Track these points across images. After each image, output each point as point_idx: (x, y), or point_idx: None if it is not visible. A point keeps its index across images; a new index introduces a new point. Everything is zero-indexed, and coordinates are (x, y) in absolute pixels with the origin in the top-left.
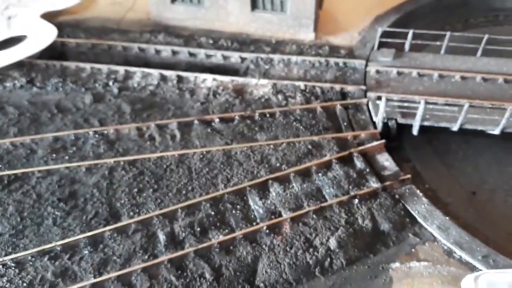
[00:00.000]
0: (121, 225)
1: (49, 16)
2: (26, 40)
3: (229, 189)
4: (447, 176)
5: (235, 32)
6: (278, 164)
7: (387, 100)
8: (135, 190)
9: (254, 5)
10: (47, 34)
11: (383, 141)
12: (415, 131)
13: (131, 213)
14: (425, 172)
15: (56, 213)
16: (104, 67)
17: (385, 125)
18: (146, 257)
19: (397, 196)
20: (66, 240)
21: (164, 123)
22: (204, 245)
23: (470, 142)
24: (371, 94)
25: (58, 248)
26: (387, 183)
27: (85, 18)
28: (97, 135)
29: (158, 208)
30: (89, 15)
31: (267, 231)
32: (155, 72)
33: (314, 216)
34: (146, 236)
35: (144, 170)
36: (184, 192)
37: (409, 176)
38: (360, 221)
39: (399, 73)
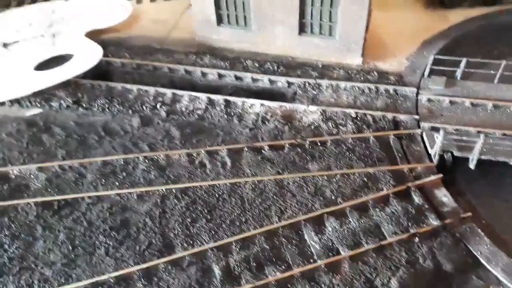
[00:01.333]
0: (176, 257)
1: (92, 35)
2: (73, 59)
3: (283, 222)
4: (504, 211)
5: (281, 55)
6: (333, 197)
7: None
8: (188, 220)
9: (301, 29)
10: (93, 53)
11: (440, 175)
12: (472, 165)
13: (185, 245)
14: (481, 207)
15: (108, 242)
16: (151, 89)
17: (441, 158)
18: None
19: (457, 235)
20: (120, 272)
21: (214, 150)
22: (262, 282)
23: None
24: (425, 125)
25: (112, 280)
26: (448, 221)
27: (128, 36)
28: (147, 161)
29: (212, 240)
30: (132, 33)
31: (326, 269)
32: (203, 96)
33: (373, 254)
34: (201, 270)
35: (197, 199)
36: (237, 223)
37: (470, 214)
38: (421, 260)
39: (451, 103)
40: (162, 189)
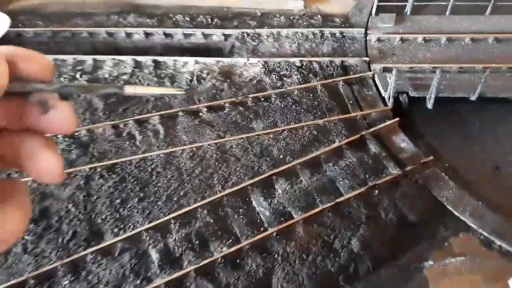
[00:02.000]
0: (105, 245)
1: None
2: None
3: (228, 191)
4: (466, 151)
5: (215, 6)
6: (281, 156)
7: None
8: (118, 201)
9: None
10: None
11: (397, 119)
12: (430, 105)
13: (116, 230)
14: (442, 149)
15: (26, 237)
16: (69, 58)
17: (396, 100)
18: (139, 281)
19: (420, 182)
20: (41, 270)
21: (144, 118)
22: (206, 261)
23: (486, 110)
24: (376, 66)
25: (32, 281)
26: (408, 168)
27: (42, 2)
28: (66, 139)
29: (147, 220)
30: None
31: (278, 237)
32: (128, 59)
33: (330, 214)
34: (136, 256)
35: (126, 176)
36: (175, 198)
37: (431, 158)
38: (383, 215)
39: (403, 40)
40: (85, 169)
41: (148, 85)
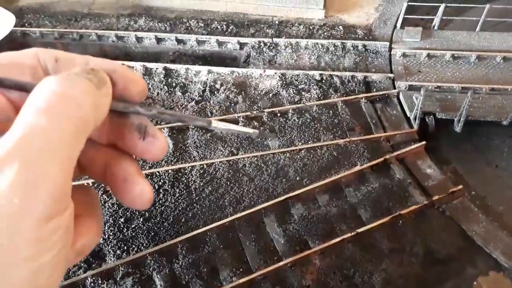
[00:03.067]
0: (107, 268)
1: (5, 1)
2: None
3: (239, 214)
4: (494, 178)
5: (231, 12)
6: (298, 178)
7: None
8: (121, 220)
9: None
10: (3, 23)
11: (423, 143)
12: (458, 128)
13: (118, 252)
14: (469, 176)
15: None
16: None
17: (421, 121)
18: None
19: (447, 213)
20: None
21: None
22: None
23: None
24: (401, 84)
25: None
26: (435, 197)
27: (50, 1)
28: None
29: (152, 243)
30: None
31: (293, 268)
32: (137, 65)
33: (350, 245)
34: (139, 281)
35: None
36: (183, 220)
37: (460, 187)
38: (407, 248)
39: (429, 56)
40: (88, 184)
41: (158, 94)
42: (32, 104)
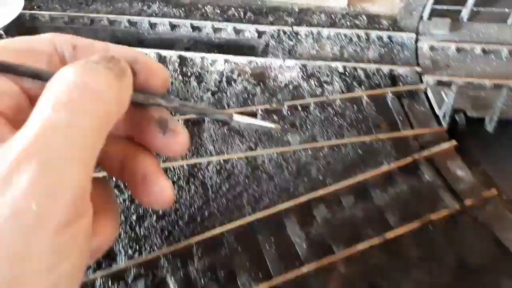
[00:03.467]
0: (118, 269)
1: None
2: None
3: (259, 214)
4: None
5: None
6: (321, 177)
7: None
8: (133, 218)
9: None
10: (12, 5)
11: (454, 142)
12: (490, 128)
13: (130, 252)
14: (501, 179)
15: None
16: None
17: (451, 119)
18: None
19: (480, 219)
20: None
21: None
22: None
23: None
24: (429, 79)
25: None
26: (468, 202)
27: None
28: None
29: (165, 243)
30: None
31: (316, 276)
32: (151, 52)
33: (377, 251)
34: (152, 284)
35: None
36: (198, 219)
37: (495, 191)
38: (438, 256)
39: (458, 50)
40: (105, 177)
41: (172, 83)
42: (51, 96)
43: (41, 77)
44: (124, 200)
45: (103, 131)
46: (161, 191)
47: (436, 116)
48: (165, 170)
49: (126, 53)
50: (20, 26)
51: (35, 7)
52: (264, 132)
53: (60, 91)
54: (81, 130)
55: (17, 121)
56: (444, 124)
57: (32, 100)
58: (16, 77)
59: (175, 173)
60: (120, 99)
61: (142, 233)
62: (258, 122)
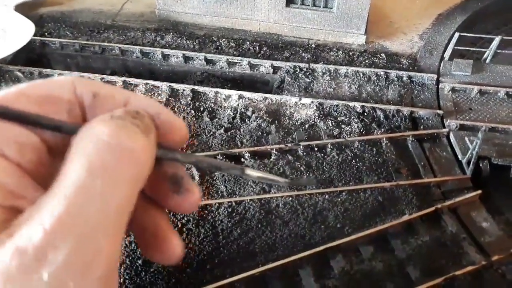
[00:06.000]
0: None
1: (26, 8)
2: None
3: (272, 264)
4: None
5: (264, 33)
6: (338, 225)
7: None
8: (139, 262)
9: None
10: (22, 31)
11: (478, 191)
12: None
13: None
14: None
15: None
16: (96, 77)
17: (475, 166)
18: None
19: (508, 276)
20: None
21: None
22: None
23: None
24: (452, 122)
25: None
26: (494, 257)
27: (73, 10)
28: None
29: None
30: (78, 6)
31: None
32: (163, 85)
33: None
34: None
35: None
36: (208, 266)
37: None
38: None
39: (481, 93)
40: None
41: (184, 118)
42: (83, 158)
43: (63, 130)
44: (130, 243)
45: (136, 194)
46: (171, 250)
47: (459, 162)
48: (173, 213)
49: (148, 106)
50: (30, 52)
51: (46, 33)
52: (278, 173)
53: (94, 153)
54: (117, 198)
55: (38, 174)
56: (468, 172)
57: (51, 151)
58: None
59: (183, 215)
60: (150, 157)
61: (147, 279)
62: (269, 176)
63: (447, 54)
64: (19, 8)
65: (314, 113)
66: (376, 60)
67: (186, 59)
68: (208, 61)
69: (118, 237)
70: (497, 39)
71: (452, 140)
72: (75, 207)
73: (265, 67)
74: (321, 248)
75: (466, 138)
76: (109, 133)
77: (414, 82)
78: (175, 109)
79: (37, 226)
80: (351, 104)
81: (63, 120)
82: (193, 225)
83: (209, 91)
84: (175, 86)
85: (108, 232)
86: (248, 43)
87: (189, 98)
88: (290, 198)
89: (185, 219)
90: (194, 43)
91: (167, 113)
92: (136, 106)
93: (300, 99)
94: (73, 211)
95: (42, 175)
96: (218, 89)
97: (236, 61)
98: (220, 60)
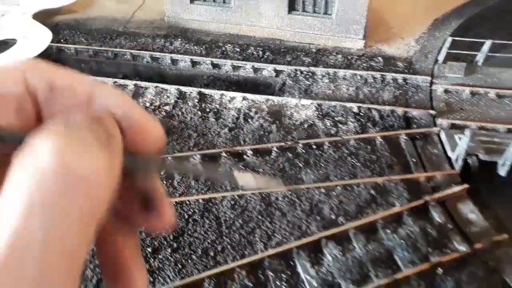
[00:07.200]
0: None
1: (43, 16)
2: (15, 45)
3: (270, 251)
4: None
5: (267, 38)
6: (333, 216)
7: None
8: (148, 250)
9: (292, 6)
10: (40, 38)
11: (465, 185)
12: (503, 172)
13: None
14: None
15: None
16: (109, 81)
17: (464, 162)
18: None
19: (490, 264)
20: None
21: (185, 155)
22: None
23: None
24: (443, 122)
25: None
26: (478, 245)
27: (87, 18)
28: None
29: (179, 276)
30: (92, 14)
31: None
32: (172, 88)
33: None
34: None
35: None
36: (211, 253)
37: (505, 236)
38: None
39: (473, 94)
40: None
41: (191, 118)
42: (18, 193)
43: (2, 139)
44: (140, 232)
45: (90, 229)
46: (142, 283)
47: (449, 159)
48: (181, 204)
49: (115, 103)
50: (47, 58)
51: (62, 40)
52: (277, 169)
53: (33, 187)
54: (63, 240)
55: None
56: (457, 167)
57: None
58: None
59: (190, 207)
60: (110, 177)
61: (156, 265)
62: (261, 182)
63: (441, 57)
64: (37, 16)
65: (313, 114)
66: (374, 64)
67: (194, 63)
68: (214, 65)
69: (69, 284)
70: (487, 43)
71: (442, 138)
72: (10, 261)
73: (268, 70)
74: (317, 236)
75: (456, 136)
76: (54, 152)
77: (409, 84)
78: (183, 110)
79: None
80: (348, 105)
81: (6, 123)
82: (199, 216)
83: (215, 93)
84: (183, 89)
85: (52, 284)
86: (252, 48)
87: (196, 100)
88: (289, 192)
89: (191, 211)
90: (201, 48)
91: (138, 111)
92: (101, 104)
93: (300, 100)
94: (7, 266)
95: None
96: (223, 92)
97: (240, 65)
98: (225, 64)
